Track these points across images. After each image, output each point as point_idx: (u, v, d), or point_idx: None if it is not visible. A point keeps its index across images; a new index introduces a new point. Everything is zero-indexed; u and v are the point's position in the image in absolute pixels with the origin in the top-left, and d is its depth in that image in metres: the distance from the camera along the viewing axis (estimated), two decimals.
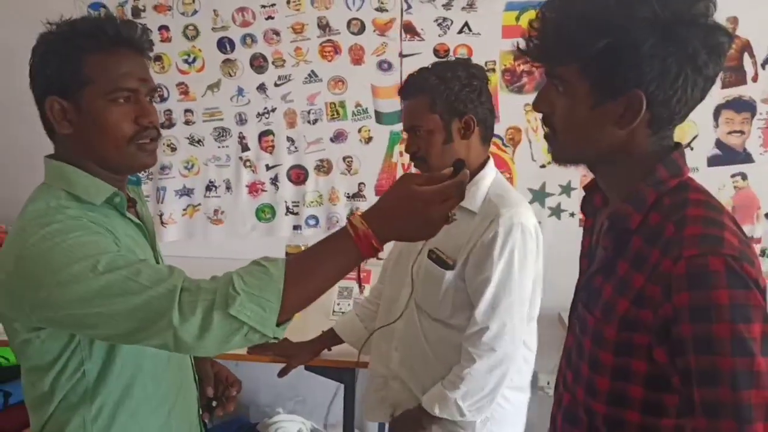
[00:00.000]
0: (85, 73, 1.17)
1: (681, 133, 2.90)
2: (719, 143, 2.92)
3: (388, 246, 2.03)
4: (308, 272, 1.09)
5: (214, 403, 1.45)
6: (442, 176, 1.11)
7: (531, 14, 2.89)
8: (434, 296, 1.77)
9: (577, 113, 1.03)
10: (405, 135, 1.82)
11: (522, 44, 1.07)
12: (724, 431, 0.88)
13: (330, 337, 2.10)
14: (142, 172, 3.14)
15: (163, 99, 3.11)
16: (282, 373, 2.04)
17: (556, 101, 1.05)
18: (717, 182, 2.93)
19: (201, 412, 1.43)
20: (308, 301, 1.11)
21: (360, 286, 2.53)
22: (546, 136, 1.12)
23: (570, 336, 1.19)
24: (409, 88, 1.75)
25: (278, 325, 1.07)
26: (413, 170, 1.84)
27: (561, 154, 1.10)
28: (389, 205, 1.11)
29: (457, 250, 1.73)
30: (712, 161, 2.93)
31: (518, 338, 1.72)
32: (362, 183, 3.13)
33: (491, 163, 1.80)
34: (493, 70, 2.93)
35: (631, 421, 1.03)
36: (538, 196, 2.98)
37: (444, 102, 1.71)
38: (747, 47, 2.85)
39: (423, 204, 1.08)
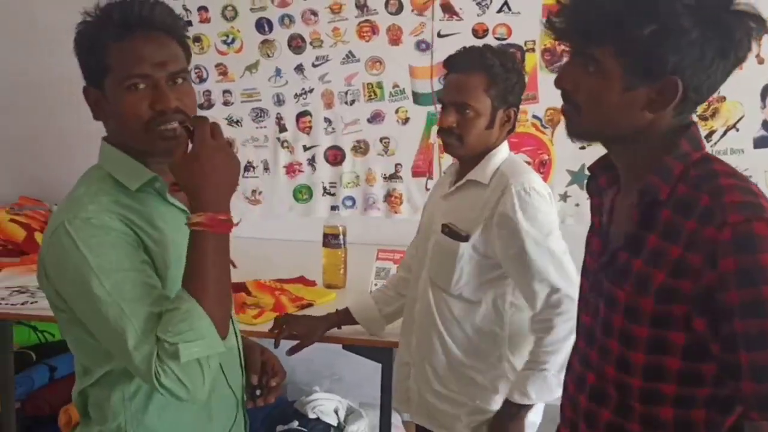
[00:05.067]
0: (106, 63, 1.17)
1: (727, 113, 2.84)
2: (766, 124, 2.84)
3: (409, 235, 2.04)
4: (205, 281, 1.12)
5: (258, 392, 1.45)
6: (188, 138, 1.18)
7: None
8: (449, 270, 1.76)
9: (606, 94, 1.04)
10: (440, 107, 1.80)
11: (552, 22, 1.07)
12: None
13: (344, 316, 2.08)
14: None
15: (202, 80, 3.14)
16: (292, 351, 2.00)
17: (582, 80, 1.06)
18: (763, 164, 2.85)
19: (245, 399, 1.43)
20: (226, 299, 1.17)
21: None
22: (564, 112, 1.12)
23: (586, 316, 1.20)
24: (464, 62, 1.73)
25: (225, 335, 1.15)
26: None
27: (579, 131, 1.12)
28: (197, 183, 1.12)
29: (470, 222, 1.73)
30: (759, 143, 2.86)
31: (575, 293, 1.71)
32: (399, 164, 3.12)
33: (506, 144, 1.82)
34: (533, 49, 2.89)
35: (667, 393, 1.04)
36: (578, 177, 2.94)
37: (500, 89, 1.71)
38: None
39: (212, 152, 1.14)
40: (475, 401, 1.79)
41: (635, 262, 1.06)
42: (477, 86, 1.70)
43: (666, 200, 1.03)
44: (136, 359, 1.08)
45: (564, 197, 2.99)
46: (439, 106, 2.72)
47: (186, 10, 3.07)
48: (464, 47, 1.78)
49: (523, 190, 1.68)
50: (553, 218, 1.73)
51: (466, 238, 1.71)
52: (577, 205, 2.94)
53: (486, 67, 1.70)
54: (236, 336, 1.38)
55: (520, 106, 1.82)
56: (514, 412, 1.74)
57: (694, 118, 3.04)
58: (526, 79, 1.89)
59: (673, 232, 1.01)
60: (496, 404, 1.78)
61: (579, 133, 1.12)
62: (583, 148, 2.83)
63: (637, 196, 1.08)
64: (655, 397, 1.05)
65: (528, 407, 1.74)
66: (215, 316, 1.11)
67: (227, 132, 3.12)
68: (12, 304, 2.30)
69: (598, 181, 1.23)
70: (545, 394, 1.71)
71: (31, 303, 2.28)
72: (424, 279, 1.85)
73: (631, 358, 1.06)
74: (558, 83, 1.10)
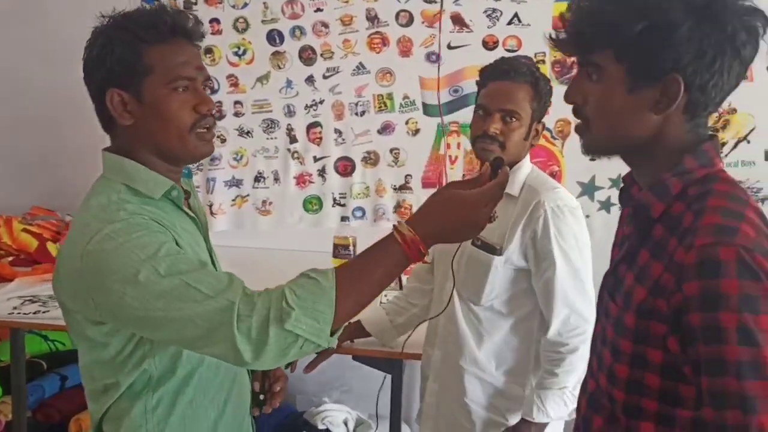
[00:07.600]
0: (145, 64, 1.18)
1: (737, 125, 2.83)
2: None
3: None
4: (358, 281, 1.12)
5: (261, 397, 1.45)
6: (484, 178, 1.18)
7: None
8: (480, 283, 1.77)
9: (611, 99, 1.03)
10: (481, 112, 1.75)
11: (555, 35, 1.08)
12: (730, 421, 0.88)
13: (356, 329, 2.09)
14: (193, 164, 3.18)
15: (213, 91, 3.15)
16: (309, 367, 1.99)
17: (589, 90, 1.06)
18: None
19: (251, 407, 1.44)
20: (360, 308, 1.14)
21: (400, 285, 2.48)
22: (577, 129, 1.12)
23: (597, 324, 1.20)
24: (514, 72, 1.73)
25: (331, 334, 1.10)
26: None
27: (593, 145, 1.10)
28: (436, 211, 1.15)
29: (501, 234, 1.74)
30: None
31: (592, 315, 1.71)
32: (409, 175, 3.12)
33: (528, 155, 1.84)
34: (543, 61, 2.89)
35: (648, 409, 1.02)
36: (588, 189, 2.93)
37: (540, 103, 1.75)
38: None
39: (470, 207, 1.14)
40: (503, 414, 1.80)
41: (628, 275, 1.07)
42: (525, 96, 1.73)
43: (660, 217, 1.03)
44: (213, 307, 1.05)
45: None
46: (446, 117, 2.73)
47: (198, 22, 3.09)
48: (503, 57, 1.81)
49: (557, 207, 1.70)
50: (584, 236, 1.75)
51: (500, 252, 1.72)
52: (588, 216, 2.93)
53: (535, 79, 1.73)
54: None
55: None
56: (533, 431, 1.75)
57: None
58: None
59: (661, 249, 1.01)
60: (517, 417, 1.79)
61: (593, 147, 1.11)
62: (593, 159, 2.83)
63: (632, 210, 1.10)
64: (637, 412, 1.04)
65: (545, 426, 1.75)
66: (340, 311, 1.08)
67: (238, 142, 3.16)
68: (24, 314, 2.32)
69: (630, 190, 1.20)
70: (562, 412, 1.73)
71: (43, 312, 2.30)
72: (448, 291, 1.84)
73: (617, 371, 1.07)
74: (567, 98, 1.10)
